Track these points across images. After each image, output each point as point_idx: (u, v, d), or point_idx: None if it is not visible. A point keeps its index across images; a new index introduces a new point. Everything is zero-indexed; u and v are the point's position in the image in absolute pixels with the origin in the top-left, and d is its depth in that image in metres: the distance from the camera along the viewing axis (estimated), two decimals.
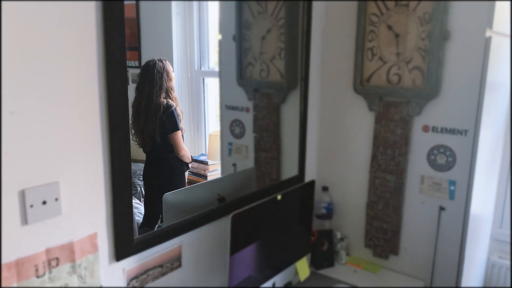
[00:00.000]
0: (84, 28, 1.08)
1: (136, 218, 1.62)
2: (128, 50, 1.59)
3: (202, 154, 1.92)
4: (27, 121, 0.99)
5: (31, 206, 1.03)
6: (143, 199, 1.72)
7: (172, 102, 1.58)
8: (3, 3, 0.91)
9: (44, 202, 1.05)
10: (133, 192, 1.70)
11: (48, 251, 1.08)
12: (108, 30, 1.12)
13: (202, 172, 1.90)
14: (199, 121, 1.92)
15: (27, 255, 1.04)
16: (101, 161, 1.17)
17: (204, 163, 1.91)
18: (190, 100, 1.85)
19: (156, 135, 1.57)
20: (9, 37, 0.93)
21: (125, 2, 1.60)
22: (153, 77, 1.57)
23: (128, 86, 1.57)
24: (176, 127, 1.60)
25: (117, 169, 1.19)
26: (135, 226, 1.56)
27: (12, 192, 0.99)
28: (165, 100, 1.56)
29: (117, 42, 1.14)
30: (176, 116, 1.59)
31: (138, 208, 1.67)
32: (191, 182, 1.86)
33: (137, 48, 1.62)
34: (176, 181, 1.74)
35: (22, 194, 1.01)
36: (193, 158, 1.88)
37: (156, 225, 1.54)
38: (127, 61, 1.59)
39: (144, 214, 1.65)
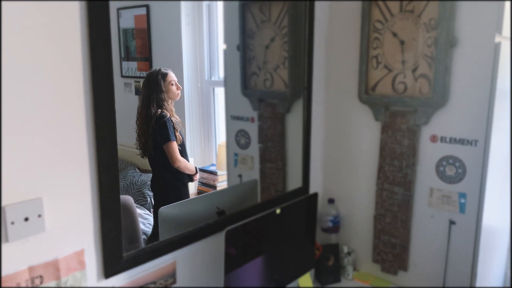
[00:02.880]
0: (68, 39, 1.06)
1: (146, 229, 1.60)
2: (140, 60, 1.60)
3: (212, 164, 1.90)
4: (8, 135, 0.97)
5: (12, 223, 1.00)
6: (153, 210, 1.69)
7: (166, 112, 1.55)
8: None
9: (26, 219, 1.03)
10: (143, 203, 1.68)
11: (31, 269, 1.05)
12: (93, 41, 1.09)
13: (211, 183, 1.88)
14: (209, 131, 1.90)
15: (8, 274, 1.01)
16: (88, 176, 1.14)
17: (214, 173, 1.89)
18: (200, 110, 1.84)
19: (148, 145, 1.54)
20: None
21: (136, 13, 1.62)
22: (148, 86, 1.55)
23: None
24: (167, 138, 1.57)
25: (105, 183, 1.16)
26: (141, 238, 1.53)
27: None
28: (159, 110, 1.54)
29: (103, 54, 1.11)
30: (168, 126, 1.56)
31: (148, 219, 1.64)
32: (201, 192, 1.84)
33: (148, 58, 1.61)
34: (176, 193, 1.70)
35: (3, 211, 0.99)
36: (203, 168, 1.86)
37: None
38: (139, 71, 1.61)
39: (153, 226, 1.62)
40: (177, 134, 1.60)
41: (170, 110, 1.56)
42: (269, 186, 2.06)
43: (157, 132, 1.55)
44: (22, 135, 1.00)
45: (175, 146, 1.59)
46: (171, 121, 1.57)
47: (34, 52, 1.00)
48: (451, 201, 1.76)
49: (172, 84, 1.58)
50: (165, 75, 1.57)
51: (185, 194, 1.75)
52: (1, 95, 0.95)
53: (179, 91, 1.60)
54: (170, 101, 1.59)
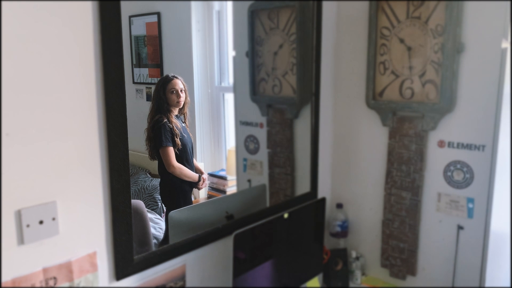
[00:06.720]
0: (81, 47, 1.10)
1: (156, 233, 1.62)
2: (151, 67, 1.63)
3: (222, 169, 1.92)
4: (23, 141, 1.01)
5: (28, 226, 1.04)
6: (163, 214, 1.72)
7: (163, 118, 1.57)
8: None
9: (41, 222, 1.06)
10: (154, 207, 1.70)
11: (45, 270, 1.08)
12: (105, 48, 1.13)
13: (221, 188, 1.89)
14: (219, 137, 1.92)
15: (23, 275, 1.04)
16: (100, 181, 1.18)
17: (223, 178, 1.90)
18: (211, 116, 1.85)
19: (148, 149, 1.57)
20: (4, 57, 0.96)
21: (148, 21, 1.65)
22: (154, 93, 1.58)
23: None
24: (160, 143, 1.58)
25: (116, 188, 1.19)
26: (152, 242, 1.56)
27: (8, 212, 1.00)
28: (157, 116, 1.56)
29: (115, 61, 1.14)
30: (162, 132, 1.57)
31: (159, 223, 1.66)
32: (211, 197, 1.85)
33: (159, 65, 1.64)
34: (180, 198, 1.72)
35: (19, 214, 1.02)
36: (213, 173, 1.87)
37: None
38: (150, 78, 1.64)
39: (165, 230, 1.64)
40: (177, 139, 1.61)
41: (171, 116, 1.58)
42: (277, 191, 2.07)
43: (153, 137, 1.57)
44: (37, 141, 1.03)
45: (168, 151, 1.59)
46: (168, 126, 1.58)
47: (48, 60, 1.03)
48: (459, 206, 1.77)
49: (172, 92, 1.59)
50: (166, 83, 1.58)
51: (188, 200, 1.75)
52: (2, 102, 0.99)
53: (179, 99, 1.60)
54: (173, 108, 1.60)
